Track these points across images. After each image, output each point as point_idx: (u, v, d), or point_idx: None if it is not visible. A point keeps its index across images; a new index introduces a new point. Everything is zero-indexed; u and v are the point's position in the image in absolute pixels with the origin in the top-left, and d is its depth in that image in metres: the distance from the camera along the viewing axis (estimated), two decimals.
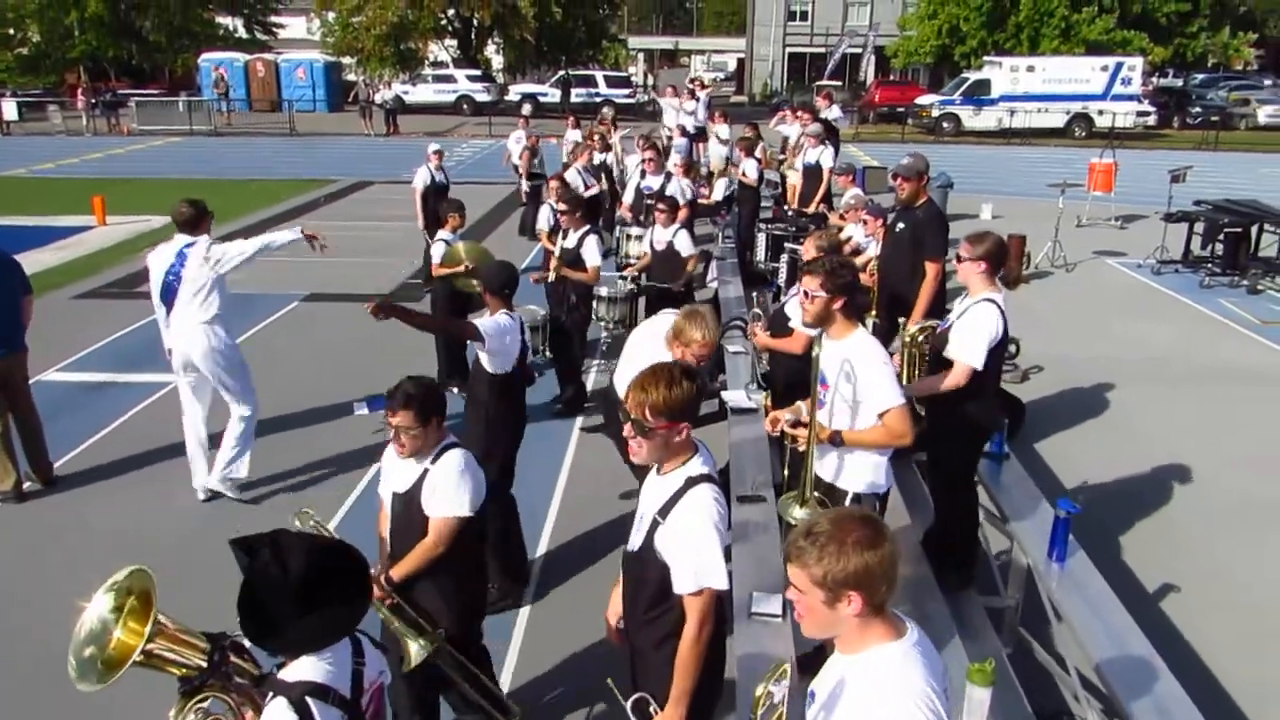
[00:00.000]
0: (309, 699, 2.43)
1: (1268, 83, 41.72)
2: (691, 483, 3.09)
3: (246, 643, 2.58)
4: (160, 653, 2.44)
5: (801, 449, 4.21)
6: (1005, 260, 5.01)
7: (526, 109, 37.87)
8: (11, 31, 42.57)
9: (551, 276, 8.56)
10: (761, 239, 10.64)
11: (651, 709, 3.25)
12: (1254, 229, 13.28)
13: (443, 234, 8.53)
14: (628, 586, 3.37)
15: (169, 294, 6.52)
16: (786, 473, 4.74)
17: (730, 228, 13.00)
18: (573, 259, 8.41)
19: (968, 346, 4.79)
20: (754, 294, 11.09)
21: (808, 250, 6.10)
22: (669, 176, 10.80)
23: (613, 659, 3.63)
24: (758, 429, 6.76)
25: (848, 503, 4.19)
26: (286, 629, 2.43)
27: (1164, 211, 14.21)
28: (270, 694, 2.48)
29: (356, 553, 2.65)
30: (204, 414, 6.87)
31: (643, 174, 11.21)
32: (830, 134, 13.48)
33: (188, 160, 26.20)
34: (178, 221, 6.57)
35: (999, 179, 22.86)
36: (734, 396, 7.25)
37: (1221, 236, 13.27)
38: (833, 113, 15.27)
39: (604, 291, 8.90)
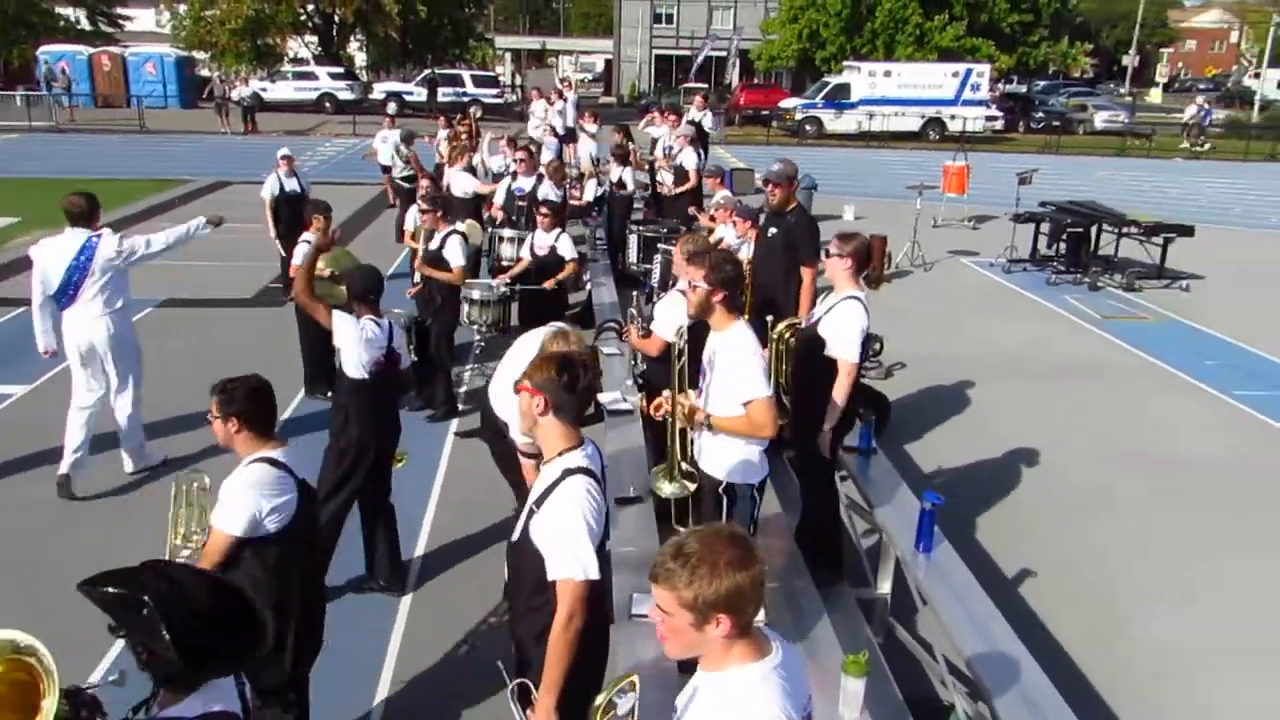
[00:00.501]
0: None
1: (1100, 92, 44.37)
2: (568, 474, 3.16)
3: (101, 690, 2.38)
4: None
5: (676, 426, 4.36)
6: (870, 260, 5.20)
7: (391, 108, 37.16)
8: None
9: (416, 277, 8.44)
10: (634, 240, 10.71)
11: (533, 696, 3.27)
12: (1093, 229, 14.09)
13: (307, 236, 8.27)
14: (510, 576, 3.42)
15: (69, 286, 6.51)
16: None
17: (601, 229, 13.04)
18: (435, 259, 8.29)
19: (845, 344, 5.00)
20: (631, 295, 11.17)
21: (679, 252, 6.15)
22: (540, 178, 10.75)
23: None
24: (634, 431, 6.82)
25: (721, 491, 4.30)
26: (208, 654, 2.30)
27: (1013, 212, 14.94)
28: None
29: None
30: (96, 402, 6.92)
31: (514, 175, 11.12)
32: (699, 137, 13.65)
33: (28, 158, 24.66)
34: (71, 214, 6.52)
35: (860, 180, 23.61)
36: (609, 398, 7.28)
37: (1065, 236, 14.03)
38: (705, 119, 15.46)
39: (476, 294, 8.80)
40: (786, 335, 5.80)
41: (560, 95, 19.00)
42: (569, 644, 3.14)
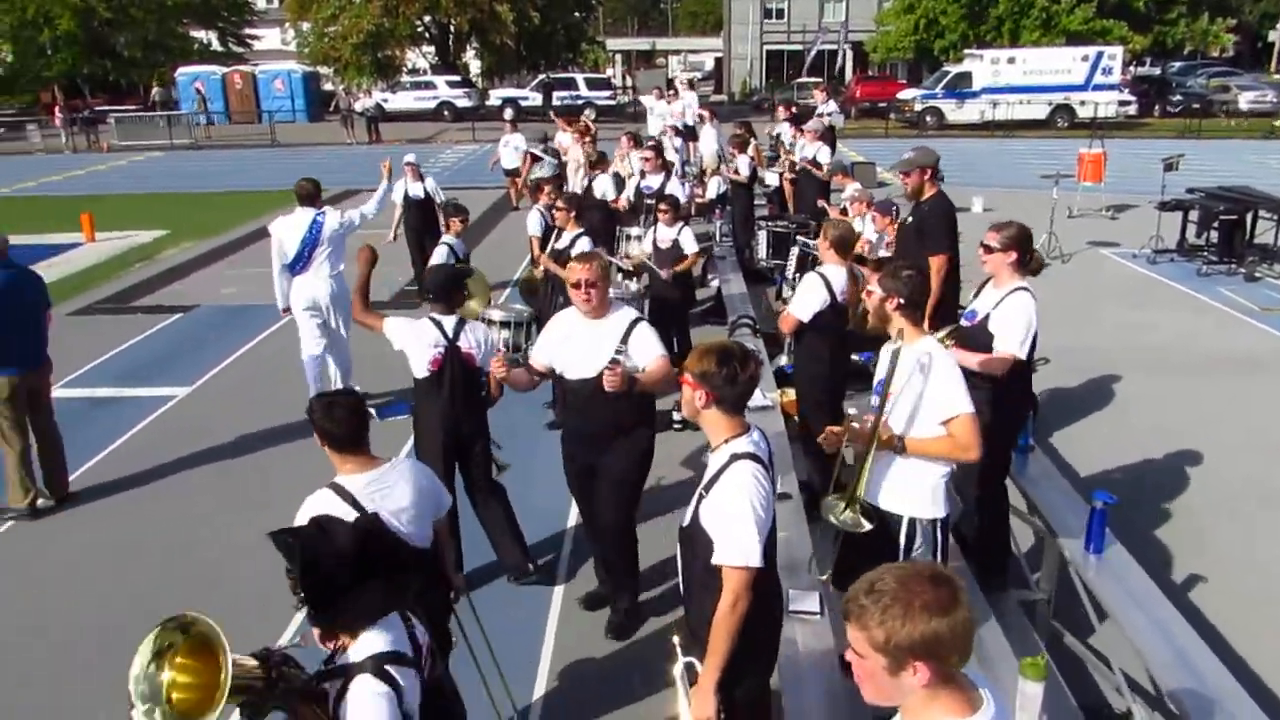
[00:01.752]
0: (388, 667, 2.52)
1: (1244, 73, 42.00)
2: (735, 459, 3.17)
3: (290, 651, 2.59)
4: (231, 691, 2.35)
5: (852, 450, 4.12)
6: (1031, 247, 4.98)
7: (508, 114, 37.85)
8: None
9: (539, 271, 8.47)
10: (763, 236, 10.58)
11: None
12: (1248, 216, 13.32)
13: (447, 238, 8.44)
14: (681, 559, 3.45)
15: (303, 255, 8.08)
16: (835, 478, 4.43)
17: (726, 224, 12.97)
18: (562, 257, 8.32)
19: (1013, 339, 4.77)
20: (761, 291, 11.08)
21: (824, 240, 6.05)
22: (668, 175, 10.70)
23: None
24: (773, 425, 6.73)
25: (903, 529, 4.00)
26: (348, 599, 2.55)
27: (1157, 200, 14.25)
28: (344, 679, 2.52)
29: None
30: (322, 350, 8.37)
31: (642, 174, 11.12)
32: (826, 130, 13.45)
33: (170, 175, 26.01)
34: (300, 195, 8.18)
35: (985, 172, 22.92)
36: None
37: (1216, 224, 13.30)
38: (829, 108, 15.22)
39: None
40: (948, 343, 5.60)
41: (677, 94, 18.94)
42: (732, 628, 3.15)
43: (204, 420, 8.44)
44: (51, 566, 6.22)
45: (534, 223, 10.02)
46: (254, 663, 2.49)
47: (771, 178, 13.53)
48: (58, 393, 9.17)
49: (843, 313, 5.93)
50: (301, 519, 3.48)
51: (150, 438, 8.14)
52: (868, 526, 3.93)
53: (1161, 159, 14.77)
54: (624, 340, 4.90)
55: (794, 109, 14.87)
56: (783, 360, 8.38)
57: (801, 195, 12.02)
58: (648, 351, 4.90)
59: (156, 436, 8.16)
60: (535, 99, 40.31)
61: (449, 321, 5.44)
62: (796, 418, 6.99)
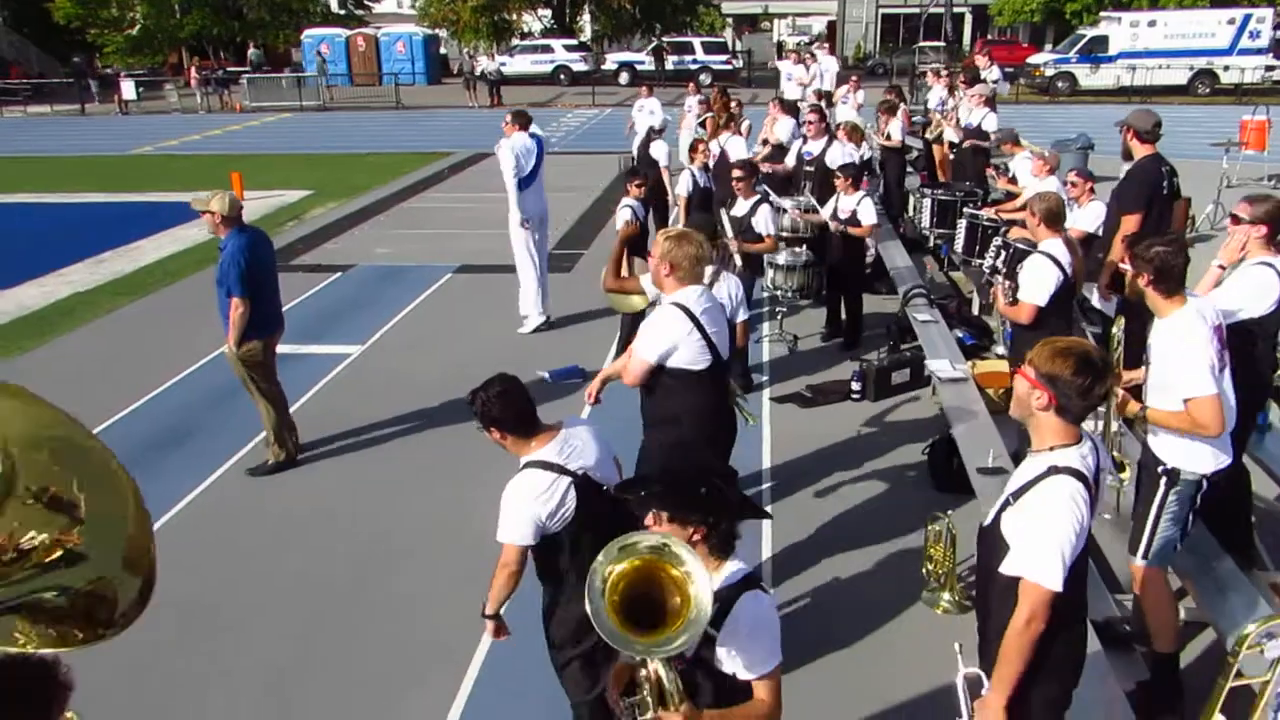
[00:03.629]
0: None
1: None
2: (1055, 471, 2.95)
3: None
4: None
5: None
6: None
7: (624, 78, 37.97)
8: (119, 13, 43.69)
9: (733, 248, 8.36)
10: (927, 205, 10.34)
11: (983, 690, 3.17)
12: None
13: (628, 201, 8.46)
14: (979, 561, 3.31)
15: (535, 172, 9.33)
16: None
17: (876, 193, 12.71)
18: (745, 228, 8.25)
19: (1256, 307, 4.65)
20: (922, 260, 10.84)
21: (1033, 216, 5.87)
22: (831, 140, 10.49)
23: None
24: (971, 397, 6.62)
25: (1163, 478, 4.05)
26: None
27: None
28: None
29: None
30: (535, 254, 9.57)
31: (804, 139, 10.93)
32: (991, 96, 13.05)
33: (305, 135, 26.66)
34: (523, 122, 9.36)
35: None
36: (939, 366, 7.11)
37: None
38: (993, 74, 14.75)
39: (781, 260, 8.76)
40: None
41: (814, 57, 18.57)
42: (1024, 646, 2.97)
43: (384, 377, 8.65)
44: (260, 525, 6.36)
45: (684, 183, 9.95)
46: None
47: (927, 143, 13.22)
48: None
49: (1073, 288, 5.79)
50: (513, 504, 3.51)
51: (333, 396, 8.34)
52: (1125, 478, 4.20)
53: None
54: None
55: (949, 74, 14.46)
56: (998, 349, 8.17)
57: (963, 163, 11.69)
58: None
59: (339, 394, 8.36)
60: (650, 63, 40.07)
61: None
62: (999, 391, 6.86)
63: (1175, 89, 31.43)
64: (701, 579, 2.35)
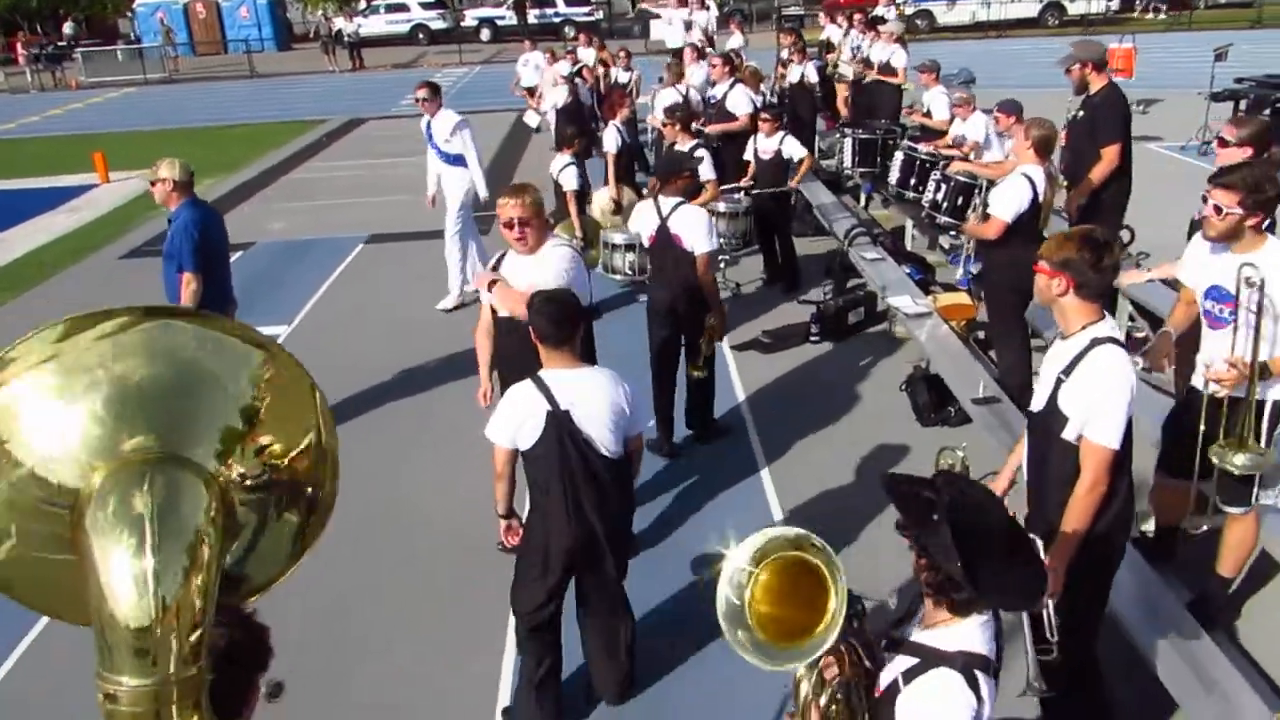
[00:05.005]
0: (976, 672, 2.19)
1: None
2: (1097, 343, 3.19)
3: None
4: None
5: (1223, 394, 3.88)
6: (1270, 145, 4.90)
7: (485, 34, 37.09)
8: None
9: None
10: (848, 144, 10.37)
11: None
12: None
13: (564, 157, 8.20)
14: (1035, 449, 3.46)
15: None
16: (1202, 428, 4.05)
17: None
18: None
19: None
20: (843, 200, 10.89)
21: (1024, 139, 5.88)
22: (735, 84, 10.36)
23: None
24: (942, 332, 6.70)
25: (1267, 409, 3.93)
26: (990, 577, 2.16)
27: (1201, 91, 14.21)
28: (920, 660, 2.24)
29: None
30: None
31: (711, 83, 10.81)
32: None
33: (157, 110, 25.02)
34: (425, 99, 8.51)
35: (996, 74, 22.65)
36: (902, 302, 7.16)
37: (1269, 110, 13.28)
38: (890, 11, 14.91)
39: (722, 208, 8.66)
40: None
41: (702, 3, 18.34)
42: (1088, 508, 3.21)
43: (322, 356, 8.18)
44: None
45: (611, 139, 9.76)
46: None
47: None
48: None
49: (1037, 215, 5.85)
50: (504, 407, 3.77)
51: None
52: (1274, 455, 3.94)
53: (1214, 49, 14.67)
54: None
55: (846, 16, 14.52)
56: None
57: (875, 101, 11.78)
58: None
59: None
60: (512, 18, 39.14)
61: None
62: (962, 323, 6.96)
63: (1027, 22, 32.60)
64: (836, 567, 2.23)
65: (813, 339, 7.81)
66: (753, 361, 7.62)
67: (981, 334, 7.09)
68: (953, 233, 8.08)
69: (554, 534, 3.78)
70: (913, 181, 8.62)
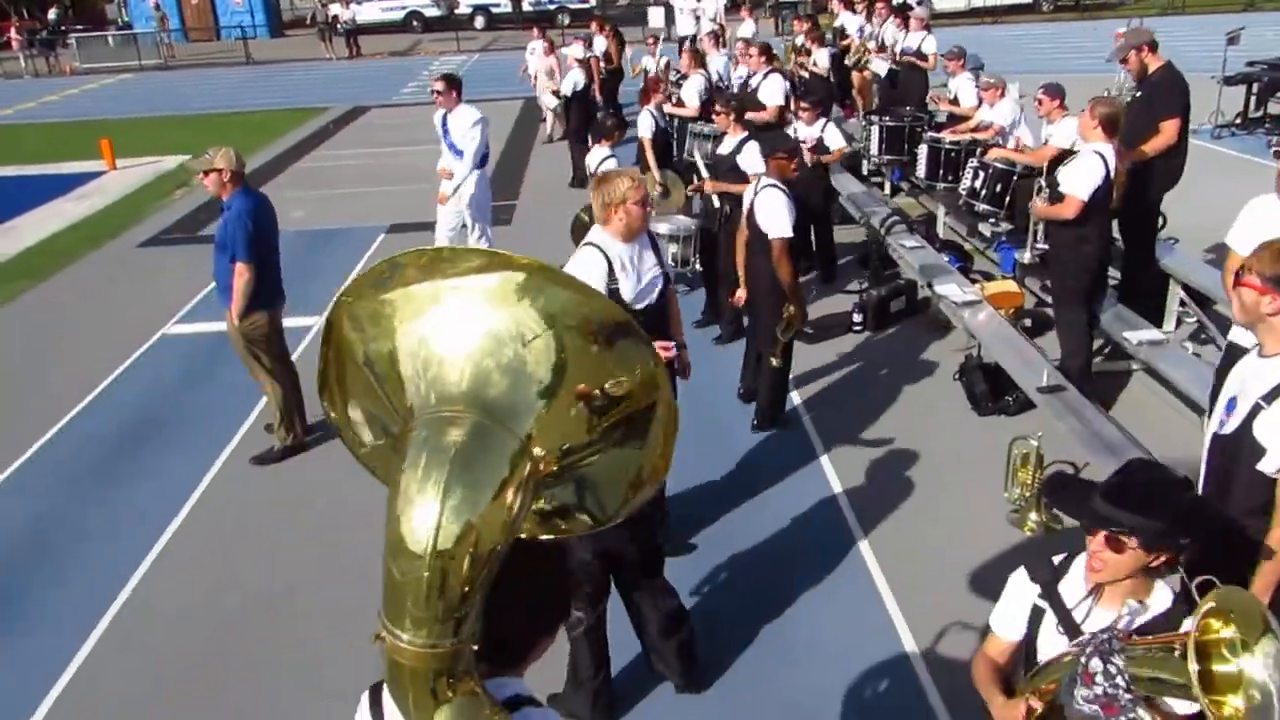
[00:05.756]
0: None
1: None
2: None
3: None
4: None
5: None
6: None
7: (479, 21, 36.81)
8: None
9: (708, 189, 8.17)
10: (874, 132, 10.37)
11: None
12: None
13: (601, 150, 8.14)
14: (1215, 470, 3.24)
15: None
16: None
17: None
18: (730, 166, 8.06)
19: None
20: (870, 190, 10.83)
21: (1091, 117, 5.88)
22: (770, 73, 10.37)
23: None
24: (996, 320, 6.71)
25: None
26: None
27: (1215, 75, 14.23)
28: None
29: None
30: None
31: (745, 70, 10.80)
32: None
33: (155, 97, 24.78)
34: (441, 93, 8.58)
35: (1000, 59, 22.59)
36: (949, 290, 7.17)
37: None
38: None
39: (664, 229, 8.61)
40: None
41: None
42: None
43: None
44: (278, 519, 5.91)
45: (645, 125, 9.73)
46: None
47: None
48: (177, 329, 8.90)
49: (1110, 193, 5.88)
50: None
51: (312, 370, 7.82)
52: None
53: (1226, 33, 14.70)
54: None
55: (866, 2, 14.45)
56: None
57: (907, 89, 11.75)
58: None
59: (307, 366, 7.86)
60: (507, 5, 38.87)
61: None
62: (1010, 310, 6.97)
63: (1023, 8, 32.59)
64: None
65: (855, 329, 7.81)
66: (797, 351, 7.60)
67: (1029, 321, 7.12)
68: (992, 220, 8.08)
69: (578, 545, 3.61)
70: (941, 172, 8.64)
